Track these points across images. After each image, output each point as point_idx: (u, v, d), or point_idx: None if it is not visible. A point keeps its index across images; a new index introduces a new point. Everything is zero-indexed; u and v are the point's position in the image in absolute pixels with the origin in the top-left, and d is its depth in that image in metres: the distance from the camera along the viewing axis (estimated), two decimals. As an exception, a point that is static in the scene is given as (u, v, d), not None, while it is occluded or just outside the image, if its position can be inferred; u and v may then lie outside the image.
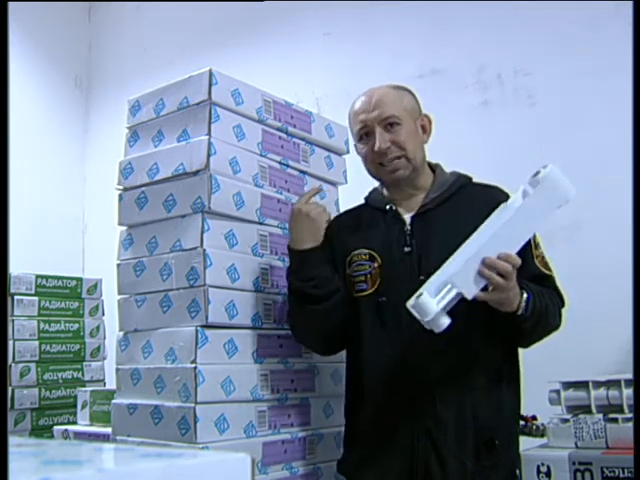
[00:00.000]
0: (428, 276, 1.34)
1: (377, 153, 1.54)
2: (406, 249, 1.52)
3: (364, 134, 1.57)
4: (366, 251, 1.56)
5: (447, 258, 1.33)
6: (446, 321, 1.28)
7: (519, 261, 1.32)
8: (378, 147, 1.53)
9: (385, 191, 1.65)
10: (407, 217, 1.56)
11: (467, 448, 1.44)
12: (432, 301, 1.28)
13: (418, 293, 1.30)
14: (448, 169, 1.65)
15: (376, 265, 1.53)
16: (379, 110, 1.55)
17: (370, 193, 1.68)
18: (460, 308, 1.31)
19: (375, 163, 1.57)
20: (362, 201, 1.69)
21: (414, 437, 1.45)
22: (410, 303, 1.30)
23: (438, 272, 1.32)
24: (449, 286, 1.28)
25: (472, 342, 1.47)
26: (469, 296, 1.29)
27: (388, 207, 1.58)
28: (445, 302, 1.28)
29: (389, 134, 1.54)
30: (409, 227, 1.54)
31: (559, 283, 1.53)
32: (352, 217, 1.67)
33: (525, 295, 1.37)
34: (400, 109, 1.56)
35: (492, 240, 1.31)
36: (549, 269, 1.52)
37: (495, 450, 1.45)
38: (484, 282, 1.30)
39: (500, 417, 1.47)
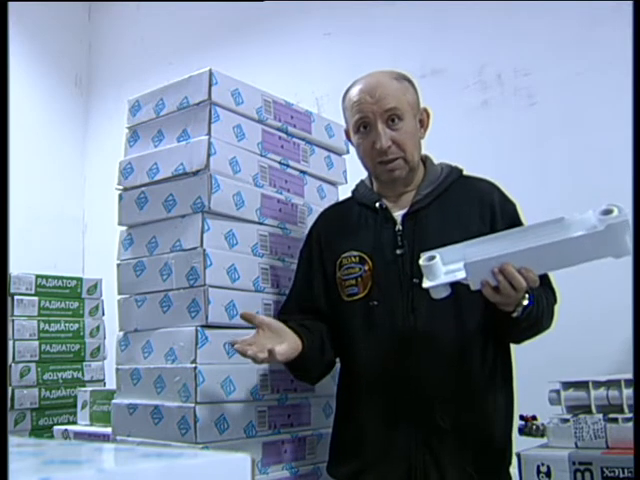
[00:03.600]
0: (421, 278, 1.32)
1: (377, 151, 1.48)
2: (398, 251, 1.48)
3: (362, 126, 1.50)
4: (356, 253, 1.51)
5: None
6: (445, 293, 1.29)
7: (537, 283, 1.27)
8: (380, 146, 1.47)
9: (374, 185, 1.59)
10: (398, 215, 1.51)
11: (466, 454, 1.42)
12: (442, 269, 1.28)
13: (431, 254, 1.30)
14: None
15: (367, 268, 1.49)
16: (382, 102, 1.47)
17: (357, 187, 1.63)
18: (456, 311, 1.30)
19: (374, 160, 1.51)
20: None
21: (411, 446, 1.42)
22: (423, 260, 1.30)
23: (463, 243, 1.30)
24: (461, 264, 1.26)
25: (466, 346, 1.45)
26: (473, 288, 1.28)
27: (378, 205, 1.54)
28: (451, 279, 1.27)
29: (390, 131, 1.48)
30: (400, 227, 1.50)
31: (553, 280, 1.52)
32: (340, 214, 1.62)
33: (526, 302, 1.32)
34: (403, 102, 1.49)
35: (525, 251, 1.23)
36: None
37: (493, 453, 1.45)
38: (494, 283, 1.26)
39: (496, 420, 1.46)
